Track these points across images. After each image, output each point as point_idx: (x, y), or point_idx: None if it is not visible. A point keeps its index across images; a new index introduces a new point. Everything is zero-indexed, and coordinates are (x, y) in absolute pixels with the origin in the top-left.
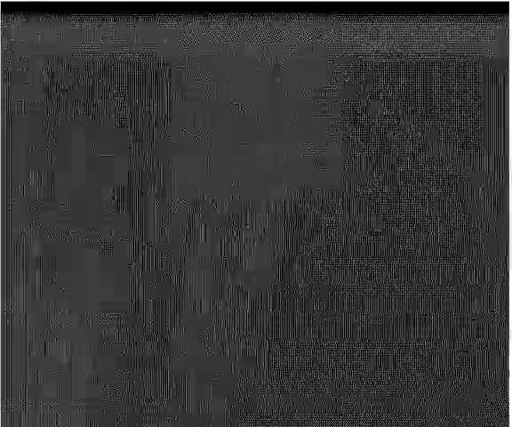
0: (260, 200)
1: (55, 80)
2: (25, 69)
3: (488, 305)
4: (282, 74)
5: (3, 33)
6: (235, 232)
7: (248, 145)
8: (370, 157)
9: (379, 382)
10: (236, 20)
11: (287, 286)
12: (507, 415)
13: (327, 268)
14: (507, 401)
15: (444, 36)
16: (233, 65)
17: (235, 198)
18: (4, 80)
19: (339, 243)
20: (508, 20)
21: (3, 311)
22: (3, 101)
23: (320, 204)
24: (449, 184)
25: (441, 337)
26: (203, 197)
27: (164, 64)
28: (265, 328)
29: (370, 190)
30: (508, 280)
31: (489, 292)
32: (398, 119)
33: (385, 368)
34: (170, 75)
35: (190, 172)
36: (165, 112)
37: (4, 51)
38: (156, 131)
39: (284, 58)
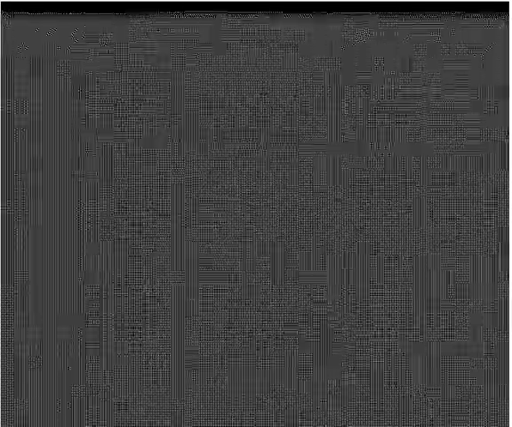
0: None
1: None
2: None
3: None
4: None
5: (3, 32)
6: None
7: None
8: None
9: None
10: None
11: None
12: (507, 415)
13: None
14: (507, 401)
15: (443, 34)
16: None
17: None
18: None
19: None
20: (508, 20)
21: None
22: (3, 98)
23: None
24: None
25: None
26: None
27: None
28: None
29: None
30: (508, 278)
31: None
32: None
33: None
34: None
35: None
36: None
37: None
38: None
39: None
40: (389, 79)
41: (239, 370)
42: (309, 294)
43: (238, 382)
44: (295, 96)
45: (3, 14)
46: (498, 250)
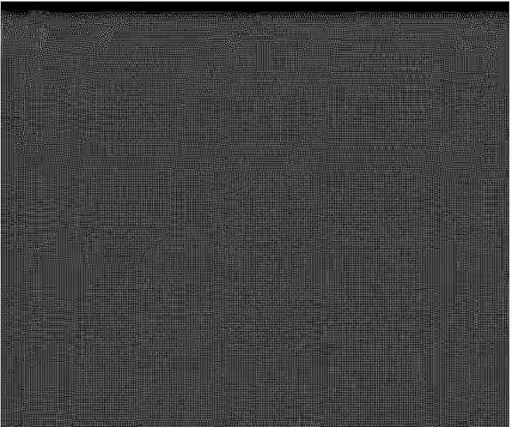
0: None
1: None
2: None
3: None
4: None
5: (3, 32)
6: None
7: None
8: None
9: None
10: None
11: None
12: (507, 415)
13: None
14: (507, 400)
15: (443, 34)
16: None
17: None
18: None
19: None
20: (507, 20)
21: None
22: (3, 99)
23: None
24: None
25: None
26: None
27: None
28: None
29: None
30: (508, 278)
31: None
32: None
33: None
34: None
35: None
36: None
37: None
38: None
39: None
40: (388, 78)
41: (238, 371)
42: (309, 299)
43: (237, 383)
44: (295, 96)
45: (3, 14)
46: (498, 250)
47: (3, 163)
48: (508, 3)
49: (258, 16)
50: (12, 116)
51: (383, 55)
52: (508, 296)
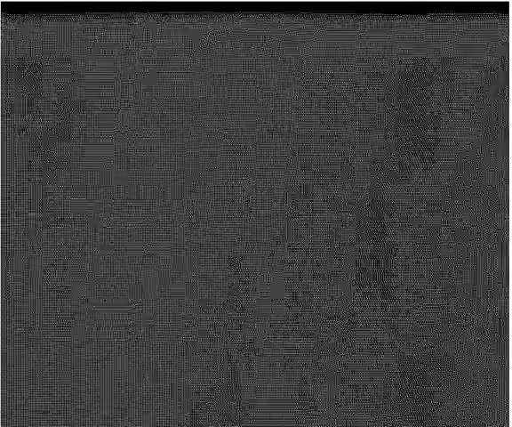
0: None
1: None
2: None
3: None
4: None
5: (3, 32)
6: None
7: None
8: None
9: None
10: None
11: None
12: (507, 415)
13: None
14: (507, 401)
15: (444, 35)
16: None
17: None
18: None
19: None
20: (507, 20)
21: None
22: (3, 100)
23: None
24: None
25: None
26: None
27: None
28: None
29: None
30: (508, 278)
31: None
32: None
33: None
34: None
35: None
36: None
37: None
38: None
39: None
40: (388, 78)
41: (238, 370)
42: (306, 301)
43: (237, 381)
44: (293, 96)
45: (3, 14)
46: (497, 250)
47: (3, 162)
48: (507, 3)
49: (256, 16)
50: (12, 115)
51: (381, 56)
52: (508, 296)
